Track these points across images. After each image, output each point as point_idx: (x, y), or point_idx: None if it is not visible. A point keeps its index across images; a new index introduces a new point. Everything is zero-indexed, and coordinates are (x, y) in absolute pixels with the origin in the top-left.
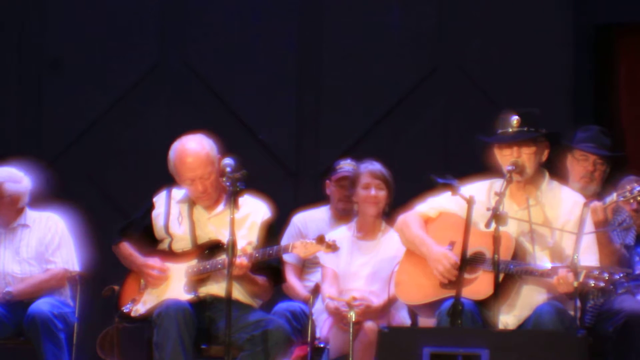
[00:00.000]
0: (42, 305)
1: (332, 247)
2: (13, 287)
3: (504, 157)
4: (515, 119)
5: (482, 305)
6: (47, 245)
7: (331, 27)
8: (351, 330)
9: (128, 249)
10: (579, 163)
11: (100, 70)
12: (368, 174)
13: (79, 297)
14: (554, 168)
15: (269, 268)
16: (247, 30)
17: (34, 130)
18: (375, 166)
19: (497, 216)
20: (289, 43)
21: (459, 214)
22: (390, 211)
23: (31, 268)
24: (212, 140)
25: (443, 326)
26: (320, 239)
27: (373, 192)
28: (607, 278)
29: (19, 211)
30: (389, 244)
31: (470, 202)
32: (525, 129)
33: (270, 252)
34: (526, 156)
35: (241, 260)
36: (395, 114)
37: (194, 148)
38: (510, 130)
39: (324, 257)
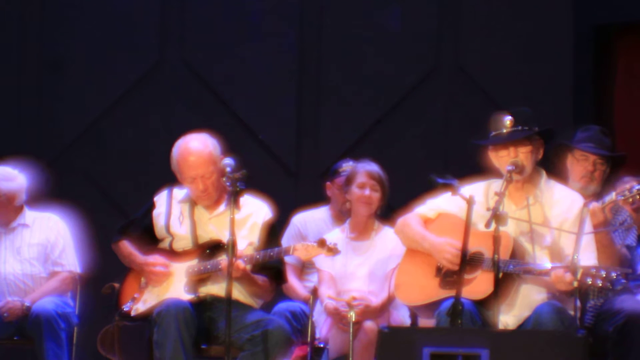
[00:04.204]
0: (47, 304)
1: (333, 251)
2: (29, 298)
3: (501, 158)
4: (508, 119)
5: (481, 305)
6: (52, 247)
7: (331, 27)
8: (351, 330)
9: (128, 248)
10: (579, 163)
11: (100, 70)
12: (364, 174)
13: (79, 297)
14: (554, 168)
15: (270, 268)
16: (247, 30)
17: (34, 130)
18: (372, 167)
19: (497, 216)
20: (289, 43)
21: (457, 215)
22: (388, 212)
23: (32, 268)
24: (216, 140)
25: (443, 326)
26: (322, 242)
27: (367, 192)
28: (604, 276)
29: (18, 210)
30: (384, 243)
31: (470, 202)
32: (519, 128)
33: (271, 253)
34: (523, 155)
35: (237, 263)
36: (395, 114)
37: (197, 146)
38: (505, 130)
39: (320, 260)
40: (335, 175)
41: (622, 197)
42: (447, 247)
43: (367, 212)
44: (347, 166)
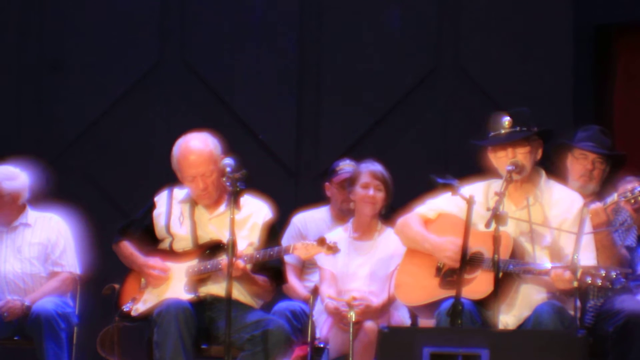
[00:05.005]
0: (47, 304)
1: (333, 249)
2: (29, 298)
3: (499, 158)
4: (506, 120)
5: (481, 305)
6: (52, 247)
7: (331, 27)
8: (351, 330)
9: (129, 248)
10: (578, 162)
11: (100, 70)
12: (368, 174)
13: (79, 297)
14: (554, 167)
15: (270, 268)
16: (247, 30)
17: (34, 130)
18: (375, 167)
19: (497, 216)
20: (289, 43)
21: (457, 215)
22: (388, 212)
23: (32, 268)
24: (217, 139)
25: (443, 326)
26: (321, 241)
27: (371, 192)
28: (604, 275)
29: (20, 210)
30: (386, 243)
31: (470, 202)
32: (518, 128)
33: (272, 253)
34: (521, 156)
35: (237, 263)
36: (395, 114)
37: (197, 145)
38: (503, 131)
39: (322, 258)
40: (333, 174)
41: (624, 198)
42: (449, 245)
43: (371, 212)
44: (344, 165)
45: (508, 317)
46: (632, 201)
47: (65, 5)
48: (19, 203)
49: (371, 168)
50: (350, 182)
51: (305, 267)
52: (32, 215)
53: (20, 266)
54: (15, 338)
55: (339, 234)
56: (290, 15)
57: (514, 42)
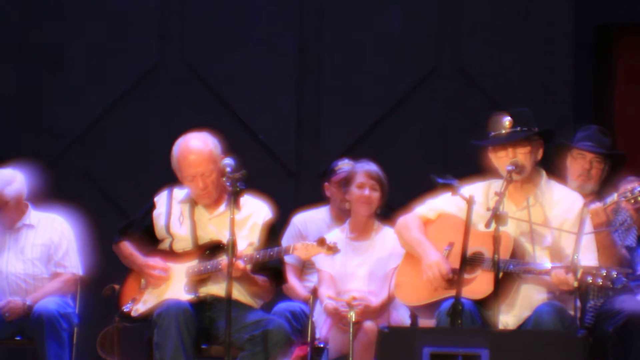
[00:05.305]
0: (49, 304)
1: (333, 250)
2: (30, 298)
3: (500, 158)
4: (507, 120)
5: (481, 304)
6: (55, 248)
7: (331, 27)
8: (351, 330)
9: (129, 249)
10: (576, 161)
11: (100, 70)
12: (364, 174)
13: (79, 297)
14: (554, 168)
15: (270, 269)
16: (247, 29)
17: (34, 130)
18: (371, 167)
19: (497, 216)
20: (289, 43)
21: (457, 215)
22: (386, 212)
23: (34, 268)
24: (217, 139)
25: (443, 326)
26: (321, 241)
27: (367, 192)
28: (605, 275)
29: (23, 210)
30: (384, 243)
31: (470, 202)
32: (518, 128)
33: (271, 253)
34: (522, 156)
35: (237, 263)
36: (395, 114)
37: (197, 145)
38: (504, 131)
39: (320, 260)
40: (332, 174)
41: (624, 198)
42: (434, 267)
43: (367, 212)
44: (342, 164)
45: (508, 317)
46: (632, 201)
47: (65, 5)
48: (22, 203)
49: (366, 168)
50: (346, 182)
51: (305, 267)
52: (35, 216)
53: (23, 267)
54: (17, 338)
55: (336, 235)
56: (290, 15)
57: (514, 42)
